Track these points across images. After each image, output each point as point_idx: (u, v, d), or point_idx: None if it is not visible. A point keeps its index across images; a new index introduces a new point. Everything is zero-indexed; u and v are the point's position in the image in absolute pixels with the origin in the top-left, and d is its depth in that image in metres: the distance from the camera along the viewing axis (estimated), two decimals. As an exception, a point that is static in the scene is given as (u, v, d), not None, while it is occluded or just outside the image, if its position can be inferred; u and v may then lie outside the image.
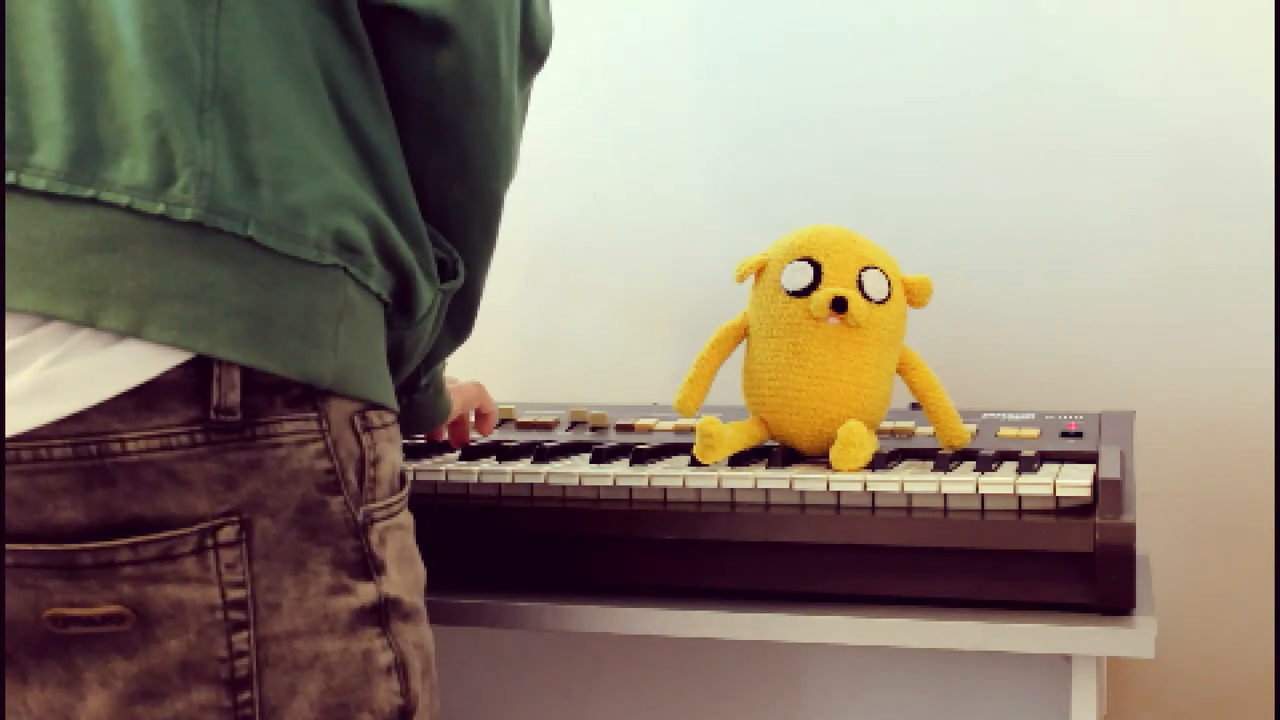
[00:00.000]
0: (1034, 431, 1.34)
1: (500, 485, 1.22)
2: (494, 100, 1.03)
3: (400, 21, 0.98)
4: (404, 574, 0.96)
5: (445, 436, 1.37)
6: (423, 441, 1.39)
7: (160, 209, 0.86)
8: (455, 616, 1.17)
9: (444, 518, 1.18)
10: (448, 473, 1.24)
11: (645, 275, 1.80)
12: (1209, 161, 1.64)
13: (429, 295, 1.02)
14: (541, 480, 1.21)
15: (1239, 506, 1.63)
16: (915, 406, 1.39)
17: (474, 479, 1.23)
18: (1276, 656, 1.60)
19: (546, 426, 1.46)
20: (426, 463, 1.28)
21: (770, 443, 1.28)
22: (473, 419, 1.37)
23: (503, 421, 1.47)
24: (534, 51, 1.07)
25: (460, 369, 1.31)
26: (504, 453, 1.30)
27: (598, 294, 1.83)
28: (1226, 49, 1.63)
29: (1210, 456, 1.64)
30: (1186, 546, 1.64)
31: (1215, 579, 1.64)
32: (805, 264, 1.25)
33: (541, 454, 1.30)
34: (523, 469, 1.23)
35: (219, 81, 0.89)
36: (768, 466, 1.22)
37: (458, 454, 1.32)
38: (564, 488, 1.21)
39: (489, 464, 1.26)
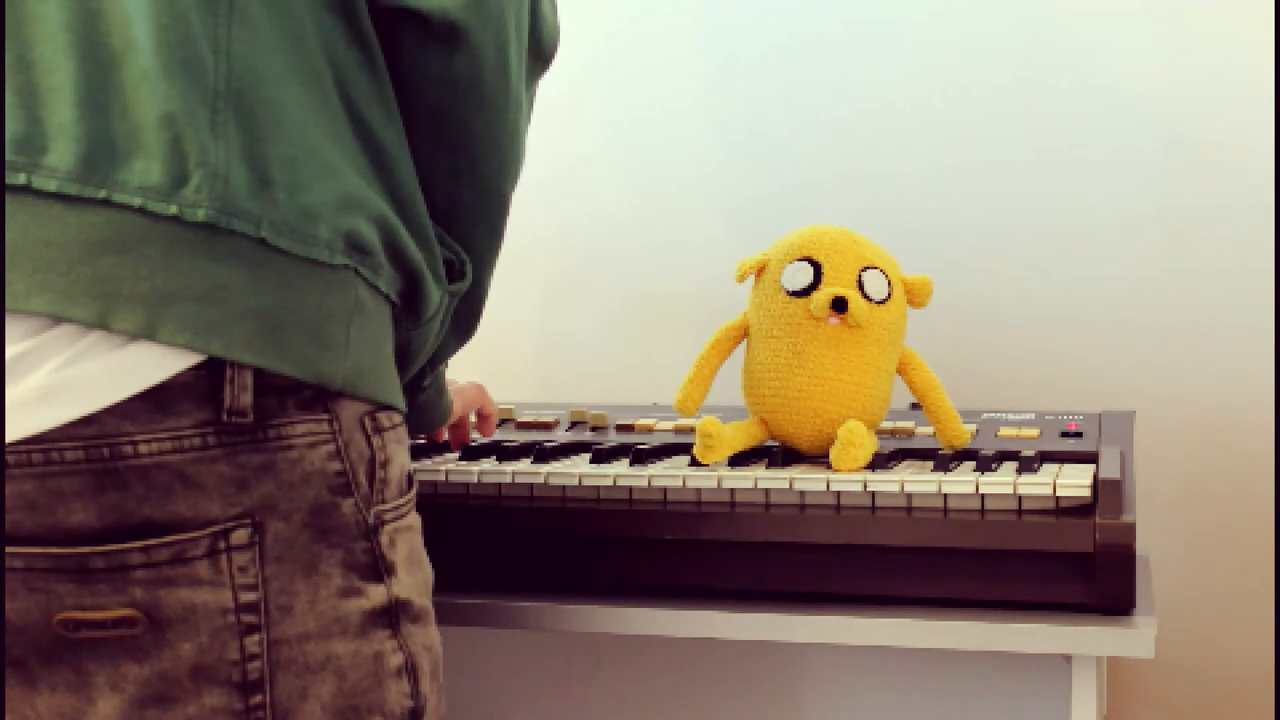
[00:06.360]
0: (1034, 431, 1.34)
1: (500, 485, 1.22)
2: (503, 102, 1.03)
3: (411, 24, 0.98)
4: (413, 576, 0.96)
5: (446, 438, 1.37)
6: (423, 441, 1.39)
7: (173, 210, 0.86)
8: (456, 616, 1.17)
9: (444, 518, 1.18)
10: (448, 473, 1.24)
11: (645, 275, 1.80)
12: (1209, 161, 1.64)
13: (437, 296, 1.02)
14: (541, 480, 1.21)
15: (1239, 506, 1.63)
16: (915, 406, 1.38)
17: (474, 479, 1.23)
18: (1276, 656, 1.60)
19: (546, 426, 1.46)
20: (426, 463, 1.28)
21: (770, 443, 1.28)
22: (473, 420, 1.37)
23: (503, 421, 1.47)
24: (541, 53, 1.07)
25: (461, 370, 1.31)
26: (504, 453, 1.30)
27: (598, 294, 1.83)
28: (1226, 49, 1.63)
29: (1210, 456, 1.64)
30: (1186, 546, 1.64)
31: (1215, 579, 1.64)
32: (805, 264, 1.25)
33: (541, 454, 1.30)
34: (523, 469, 1.23)
35: (231, 82, 0.88)
36: (768, 466, 1.21)
37: (458, 454, 1.32)
38: (564, 488, 1.21)
39: (489, 464, 1.26)
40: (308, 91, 0.92)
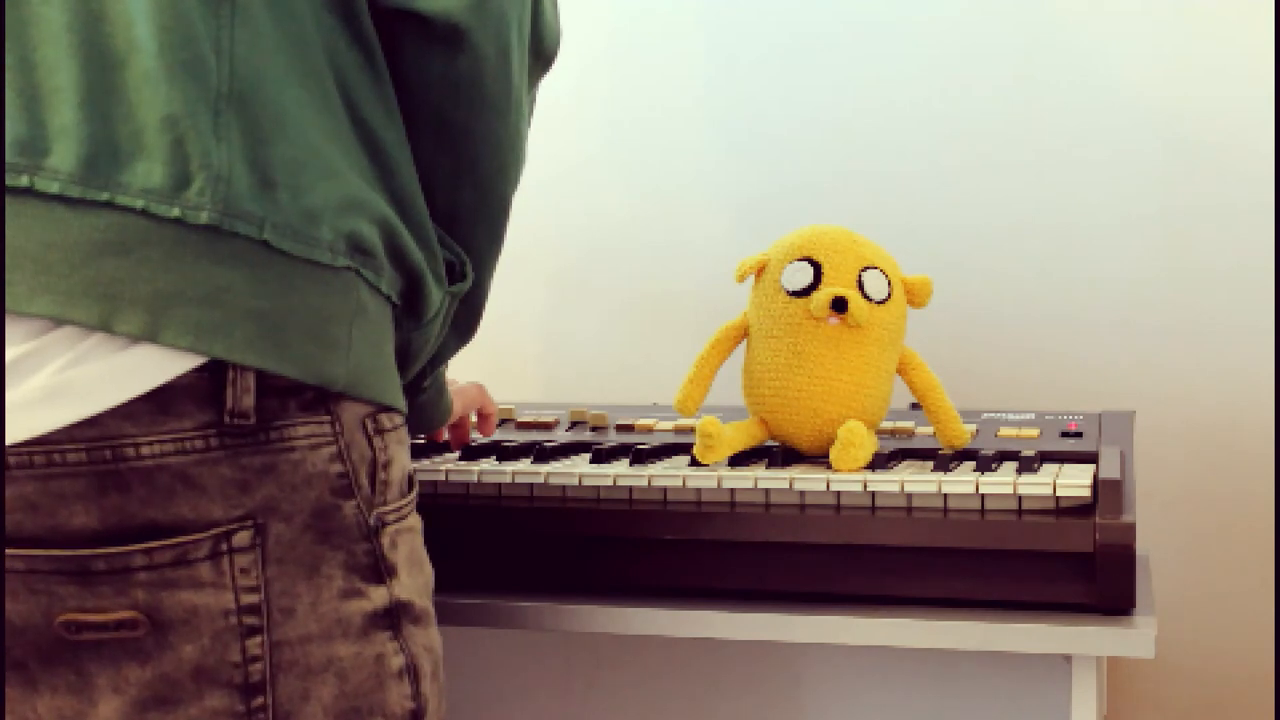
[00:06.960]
0: (1034, 431, 1.34)
1: (500, 485, 1.22)
2: (504, 104, 1.03)
3: (412, 25, 0.98)
4: (414, 577, 0.97)
5: (446, 438, 1.37)
6: (423, 441, 1.39)
7: (175, 212, 0.86)
8: (456, 616, 1.17)
9: (444, 518, 1.18)
10: (448, 473, 1.24)
11: (646, 275, 1.80)
12: (1209, 161, 1.64)
13: (437, 297, 1.02)
14: (541, 480, 1.21)
15: (1239, 506, 1.63)
16: (915, 406, 1.38)
17: (474, 479, 1.23)
18: (1276, 656, 1.60)
19: (546, 426, 1.46)
20: (426, 463, 1.28)
21: (770, 443, 1.28)
22: (473, 420, 1.37)
23: (503, 421, 1.47)
24: (542, 54, 1.07)
25: (462, 370, 1.31)
26: (504, 453, 1.30)
27: (598, 294, 1.83)
28: (1226, 49, 1.63)
29: (1210, 456, 1.64)
30: (1186, 546, 1.64)
31: (1215, 579, 1.64)
32: (805, 264, 1.25)
33: (541, 454, 1.30)
34: (523, 469, 1.23)
35: (234, 84, 0.89)
36: (768, 466, 1.22)
37: (458, 454, 1.32)
38: (564, 488, 1.21)
39: (489, 464, 1.26)
40: (309, 93, 0.92)
